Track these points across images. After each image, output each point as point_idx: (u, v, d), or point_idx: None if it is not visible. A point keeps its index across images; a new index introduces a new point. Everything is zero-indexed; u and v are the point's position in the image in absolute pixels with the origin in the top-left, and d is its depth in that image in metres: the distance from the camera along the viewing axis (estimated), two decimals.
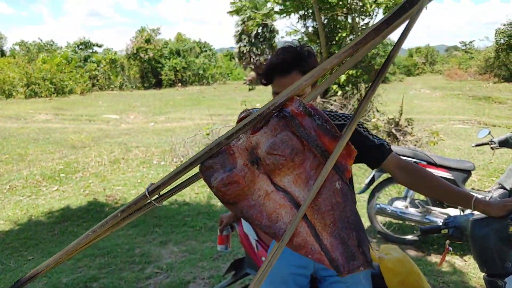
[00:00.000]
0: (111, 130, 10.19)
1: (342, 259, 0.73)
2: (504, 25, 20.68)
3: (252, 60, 26.59)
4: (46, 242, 3.66)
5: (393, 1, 5.95)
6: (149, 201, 0.84)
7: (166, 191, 0.86)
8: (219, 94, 19.61)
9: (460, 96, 15.03)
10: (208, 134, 6.81)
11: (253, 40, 25.97)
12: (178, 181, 0.85)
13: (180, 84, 24.29)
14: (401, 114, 6.37)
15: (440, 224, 1.53)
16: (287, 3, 6.73)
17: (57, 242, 3.65)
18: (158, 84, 24.36)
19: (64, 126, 10.85)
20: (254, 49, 25.99)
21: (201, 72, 25.54)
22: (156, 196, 0.84)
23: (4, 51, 28.51)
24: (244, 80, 24.91)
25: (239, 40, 26.30)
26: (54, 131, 9.92)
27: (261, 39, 26.33)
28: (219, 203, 4.49)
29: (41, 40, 29.24)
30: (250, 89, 21.80)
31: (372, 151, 1.50)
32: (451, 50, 39.24)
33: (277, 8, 7.00)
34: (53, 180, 5.65)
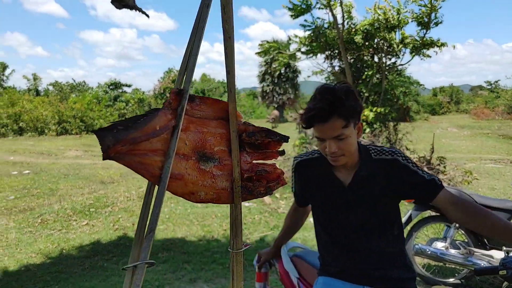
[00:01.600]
0: None
1: None
2: None
3: (274, 99, 27.14)
4: (77, 276, 3.65)
5: (419, 41, 6.01)
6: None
7: None
8: None
9: (490, 135, 14.67)
10: None
11: (276, 80, 26.64)
12: None
13: None
14: (432, 152, 6.24)
15: (497, 265, 1.44)
16: (314, 44, 6.92)
17: (87, 277, 3.64)
18: None
19: (94, 162, 11.13)
20: (277, 88, 26.63)
21: None
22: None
23: (39, 91, 30.12)
24: (267, 118, 25.21)
25: (263, 80, 27.06)
26: (84, 167, 10.18)
27: (284, 79, 26.97)
28: (248, 241, 4.42)
29: (74, 81, 30.88)
30: (273, 127, 22.02)
31: (423, 187, 1.46)
32: (476, 90, 38.86)
33: (303, 49, 7.20)
34: (83, 215, 5.72)
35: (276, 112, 23.08)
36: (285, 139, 1.02)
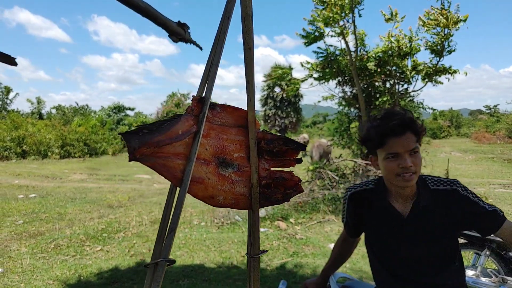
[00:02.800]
0: (144, 190, 10.31)
1: None
2: None
3: (277, 122, 27.26)
4: None
5: (432, 68, 6.11)
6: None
7: None
8: None
9: (495, 159, 14.70)
10: None
11: (278, 104, 26.86)
12: None
13: None
14: (447, 177, 6.22)
15: None
16: (326, 70, 7.02)
17: None
18: None
19: (99, 186, 11.06)
20: (280, 112, 26.81)
21: None
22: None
23: (42, 114, 30.24)
24: None
25: (265, 103, 27.28)
26: (90, 191, 10.10)
27: (286, 103, 27.19)
28: (269, 268, 4.34)
29: (77, 104, 31.07)
30: None
31: (485, 218, 1.46)
32: (475, 114, 39.24)
33: (316, 75, 7.30)
34: (96, 240, 5.64)
35: None
36: (303, 147, 1.04)
